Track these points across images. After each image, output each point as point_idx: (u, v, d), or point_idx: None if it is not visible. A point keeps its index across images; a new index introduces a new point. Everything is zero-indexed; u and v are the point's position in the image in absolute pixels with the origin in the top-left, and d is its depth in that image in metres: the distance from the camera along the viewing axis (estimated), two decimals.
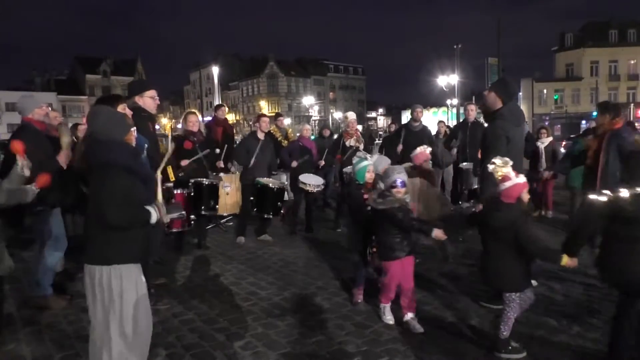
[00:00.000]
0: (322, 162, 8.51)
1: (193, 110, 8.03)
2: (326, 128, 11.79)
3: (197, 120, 7.18)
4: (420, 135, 8.49)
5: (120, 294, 2.79)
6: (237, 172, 7.94)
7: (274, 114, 12.92)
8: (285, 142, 9.26)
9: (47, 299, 4.68)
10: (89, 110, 3.24)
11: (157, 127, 7.12)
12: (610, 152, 5.02)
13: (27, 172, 3.65)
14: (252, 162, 7.16)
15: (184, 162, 6.63)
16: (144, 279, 2.96)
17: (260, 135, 7.41)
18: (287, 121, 19.37)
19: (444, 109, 45.05)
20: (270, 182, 7.24)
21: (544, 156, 8.77)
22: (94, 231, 2.80)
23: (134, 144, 3.22)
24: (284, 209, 8.17)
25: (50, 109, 5.09)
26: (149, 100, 4.48)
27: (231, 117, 61.22)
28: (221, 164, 7.55)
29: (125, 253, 2.83)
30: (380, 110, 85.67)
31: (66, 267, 5.70)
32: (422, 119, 8.84)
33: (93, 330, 2.89)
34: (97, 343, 2.85)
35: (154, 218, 2.90)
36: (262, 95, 76.43)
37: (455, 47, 33.51)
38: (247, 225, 7.56)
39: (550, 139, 9.05)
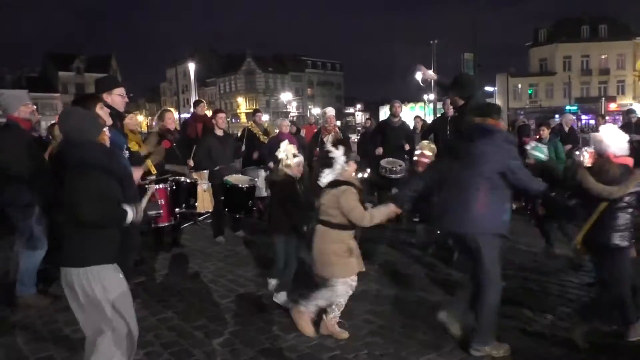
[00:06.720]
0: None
1: (169, 108, 7.95)
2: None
3: (174, 118, 7.12)
4: (399, 130, 8.56)
5: (98, 295, 2.74)
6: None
7: (252, 111, 12.84)
8: (265, 138, 9.15)
9: (31, 298, 4.64)
10: (60, 111, 3.18)
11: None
12: None
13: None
14: (216, 161, 6.98)
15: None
16: (122, 276, 2.92)
17: (219, 132, 7.28)
18: (265, 117, 19.26)
19: (421, 104, 45.41)
20: (240, 180, 6.87)
21: None
22: (70, 232, 2.76)
23: (107, 144, 3.18)
24: (262, 205, 8.10)
25: (35, 107, 5.05)
26: (117, 97, 4.40)
27: (208, 114, 60.55)
28: (191, 163, 7.33)
29: (101, 254, 2.78)
30: (359, 106, 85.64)
31: (45, 267, 5.59)
32: (400, 114, 8.91)
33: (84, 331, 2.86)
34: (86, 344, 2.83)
35: (129, 218, 2.86)
36: (240, 92, 75.93)
37: (431, 42, 33.74)
38: (223, 224, 7.47)
39: None
